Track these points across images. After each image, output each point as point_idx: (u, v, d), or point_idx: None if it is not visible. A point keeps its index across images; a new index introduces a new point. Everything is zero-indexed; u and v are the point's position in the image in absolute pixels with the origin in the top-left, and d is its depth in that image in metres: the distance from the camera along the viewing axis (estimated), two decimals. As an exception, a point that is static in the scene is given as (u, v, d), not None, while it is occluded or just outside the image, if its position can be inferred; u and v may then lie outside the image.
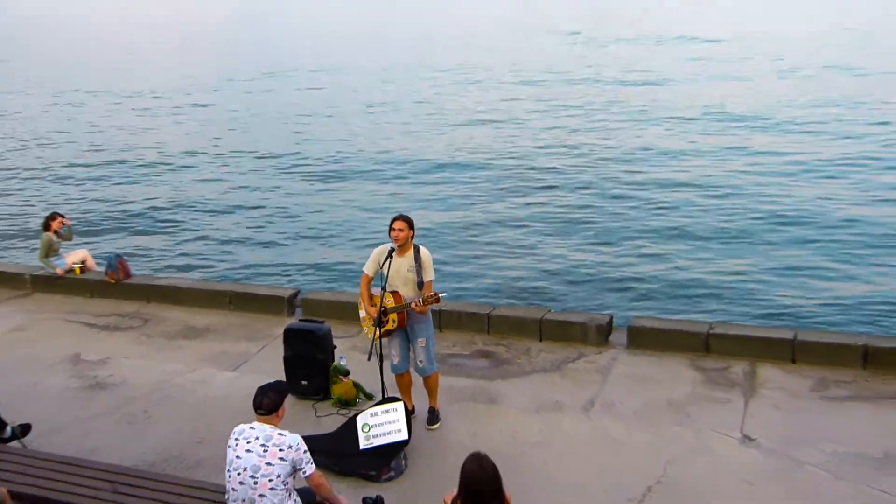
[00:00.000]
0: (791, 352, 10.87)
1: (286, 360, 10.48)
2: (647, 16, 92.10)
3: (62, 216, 15.20)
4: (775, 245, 20.40)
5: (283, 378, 10.03)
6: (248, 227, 23.57)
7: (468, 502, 6.36)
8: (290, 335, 10.52)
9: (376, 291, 9.16)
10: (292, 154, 32.12)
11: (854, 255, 19.55)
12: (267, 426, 7.00)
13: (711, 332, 11.29)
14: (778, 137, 31.68)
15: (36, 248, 15.63)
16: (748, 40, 64.28)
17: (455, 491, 6.48)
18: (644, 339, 11.46)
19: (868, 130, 32.37)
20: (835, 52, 54.59)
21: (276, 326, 11.76)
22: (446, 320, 12.06)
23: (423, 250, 9.17)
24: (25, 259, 19.67)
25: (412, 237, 9.11)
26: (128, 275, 14.32)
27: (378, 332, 9.00)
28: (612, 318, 12.08)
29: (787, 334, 11.18)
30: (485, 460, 6.41)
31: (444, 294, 9.16)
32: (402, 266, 9.04)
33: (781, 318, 16.35)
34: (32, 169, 31.42)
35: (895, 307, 16.41)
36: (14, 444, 9.07)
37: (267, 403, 7.01)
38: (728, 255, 19.88)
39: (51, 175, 30.46)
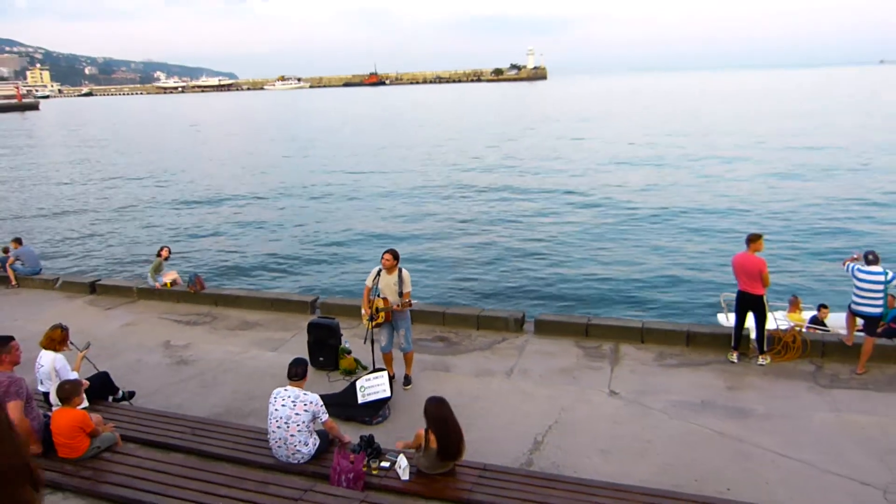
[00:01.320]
0: (641, 335, 10.96)
1: (309, 344, 10.43)
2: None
3: (169, 249, 15.04)
4: (630, 261, 20.69)
5: (307, 356, 10.00)
6: (283, 252, 23.45)
7: (434, 427, 6.41)
8: (312, 327, 10.46)
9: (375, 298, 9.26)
10: (316, 199, 32.18)
11: (682, 266, 19.89)
12: (296, 388, 6.99)
13: (589, 322, 11.35)
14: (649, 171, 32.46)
15: (141, 269, 15.32)
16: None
17: (424, 427, 6.53)
18: (545, 328, 11.49)
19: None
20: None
21: (303, 321, 11.65)
22: (416, 316, 12.01)
23: (405, 271, 9.32)
24: (133, 275, 19.45)
25: (397, 263, 9.20)
26: (203, 287, 14.13)
27: (371, 325, 9.17)
28: (524, 313, 12.09)
29: (638, 324, 11.26)
30: (442, 400, 6.55)
31: (415, 300, 9.30)
32: (389, 281, 9.18)
33: (634, 311, 16.55)
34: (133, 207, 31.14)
35: (707, 306, 16.63)
36: (124, 403, 8.91)
37: (296, 372, 7.04)
38: (598, 267, 20.13)
39: (146, 213, 30.20)
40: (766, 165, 38.92)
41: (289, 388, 6.99)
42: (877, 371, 9.61)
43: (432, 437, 6.48)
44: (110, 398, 8.81)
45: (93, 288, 14.83)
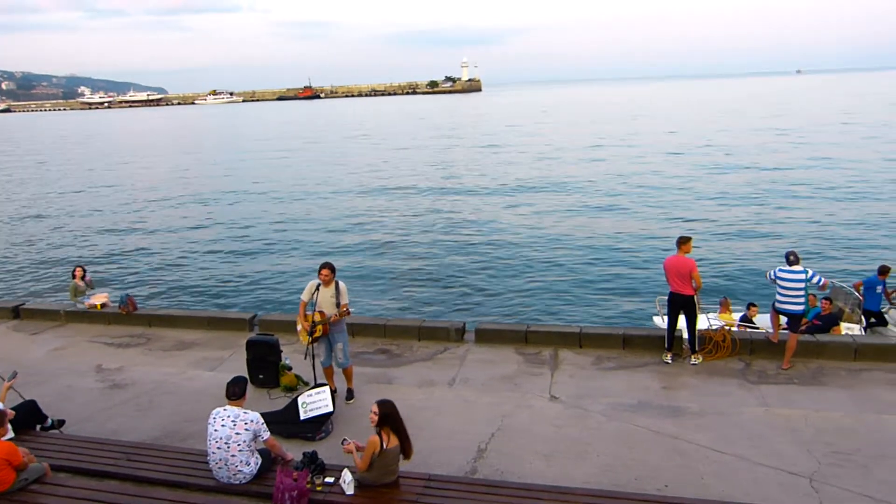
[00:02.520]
0: (579, 340, 11.19)
1: (248, 362, 10.26)
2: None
3: (83, 269, 14.54)
4: (568, 267, 21.09)
5: (246, 374, 9.84)
6: (219, 270, 22.97)
7: (392, 425, 6.53)
8: (251, 345, 10.30)
9: (311, 313, 9.14)
10: (250, 215, 31.62)
11: (618, 270, 20.40)
12: (235, 408, 6.88)
13: (528, 329, 11.51)
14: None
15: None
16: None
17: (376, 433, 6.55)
18: (486, 336, 11.59)
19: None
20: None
21: (241, 339, 11.43)
22: (357, 329, 11.98)
23: (341, 284, 9.25)
24: (59, 299, 18.70)
25: (334, 276, 9.14)
26: (135, 308, 13.72)
27: (310, 340, 9.08)
28: (465, 323, 12.19)
29: (576, 329, 11.49)
30: (389, 401, 6.62)
31: (353, 310, 9.27)
32: (326, 294, 9.11)
33: (572, 317, 16.86)
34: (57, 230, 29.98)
35: (643, 309, 17.05)
36: (53, 431, 8.57)
37: (235, 392, 6.92)
38: (537, 274, 20.45)
39: (67, 235, 29.11)
40: (690, 170, 40.36)
41: (228, 407, 6.87)
42: (801, 366, 10.07)
43: (390, 438, 6.49)
44: (38, 427, 8.46)
45: (16, 312, 14.19)
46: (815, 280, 9.94)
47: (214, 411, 6.91)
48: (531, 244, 24.54)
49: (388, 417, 6.54)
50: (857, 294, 13.01)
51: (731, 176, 38.27)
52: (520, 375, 10.19)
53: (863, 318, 12.63)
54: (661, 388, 9.60)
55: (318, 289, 9.12)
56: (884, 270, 13.05)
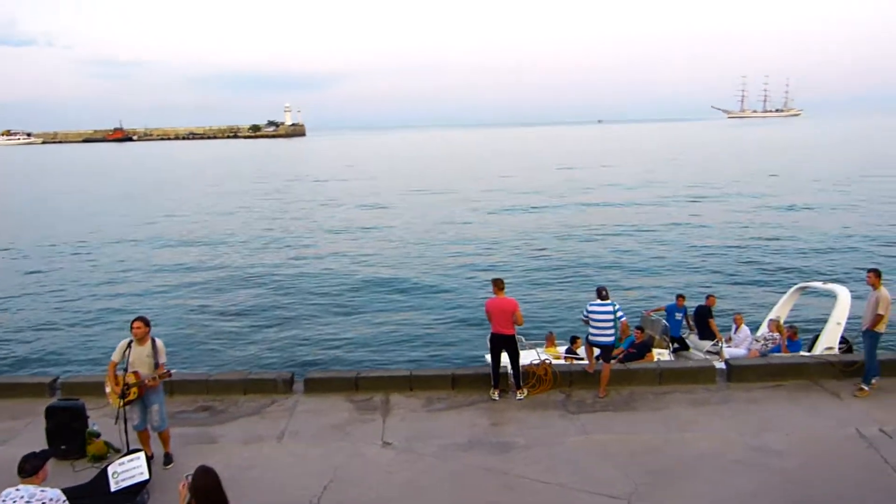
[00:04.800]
0: (409, 383, 11.25)
1: (48, 431, 9.22)
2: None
3: None
4: (397, 310, 21.28)
5: (46, 446, 8.83)
6: (12, 328, 20.57)
7: (200, 500, 5.71)
8: (50, 412, 9.30)
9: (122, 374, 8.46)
10: (49, 263, 28.73)
11: (450, 311, 20.87)
12: (31, 486, 6.13)
13: (359, 376, 11.40)
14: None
15: None
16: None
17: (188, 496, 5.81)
18: (315, 385, 11.32)
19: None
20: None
21: (40, 405, 10.19)
22: (176, 387, 11.19)
23: (158, 341, 8.72)
24: None
25: (149, 332, 8.54)
26: None
27: (122, 403, 8.39)
28: (293, 373, 11.82)
29: (406, 372, 11.58)
30: (209, 469, 5.87)
31: (174, 370, 8.70)
32: (142, 353, 8.52)
33: (401, 364, 16.92)
34: None
35: (470, 355, 17.54)
36: None
37: (28, 468, 6.17)
38: (365, 319, 20.43)
39: None
40: (504, 211, 42.64)
41: (21, 486, 6.10)
42: (615, 393, 10.85)
43: None
44: None
45: None
46: (619, 315, 10.83)
47: (5, 492, 6.12)
48: (357, 290, 24.50)
49: (202, 492, 5.70)
50: (664, 322, 14.30)
51: (537, 216, 40.86)
52: (351, 423, 10.04)
53: (670, 343, 13.91)
54: (489, 424, 9.89)
55: (130, 346, 8.47)
56: (681, 298, 14.51)
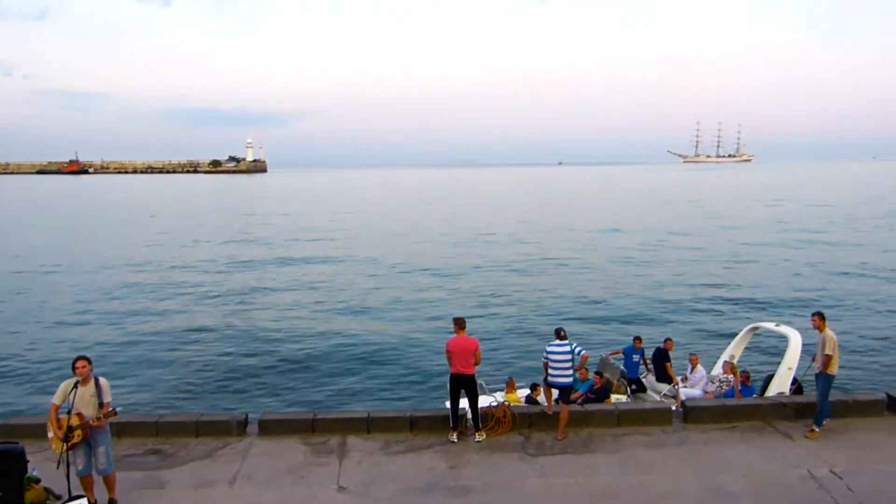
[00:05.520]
0: (367, 425, 11.08)
1: (-16, 477, 8.76)
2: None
3: None
4: (338, 359, 21.03)
5: (-19, 493, 8.40)
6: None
7: None
8: (-12, 456, 8.84)
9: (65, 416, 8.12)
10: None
11: (408, 350, 20.70)
12: (-37, 536, 5.80)
13: (315, 417, 11.20)
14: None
15: None
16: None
17: None
18: (270, 427, 11.07)
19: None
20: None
21: (-25, 450, 9.78)
22: (123, 429, 10.84)
23: (102, 380, 8.43)
24: None
25: (91, 370, 8.27)
26: None
27: (65, 446, 8.04)
28: (247, 415, 11.54)
29: (363, 414, 11.40)
30: None
31: (119, 409, 8.40)
32: (85, 393, 8.23)
33: (359, 403, 16.69)
34: None
35: (434, 393, 17.40)
36: None
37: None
38: (323, 359, 20.14)
39: None
40: (461, 253, 42.83)
41: (-47, 536, 5.79)
42: (573, 435, 10.83)
43: None
44: None
45: None
46: (577, 350, 10.89)
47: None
48: (314, 329, 24.15)
49: None
50: (622, 367, 14.38)
51: (493, 257, 40.99)
52: (306, 467, 9.82)
53: (628, 388, 13.98)
54: (448, 468, 9.77)
55: (75, 387, 8.16)
56: (638, 340, 14.64)
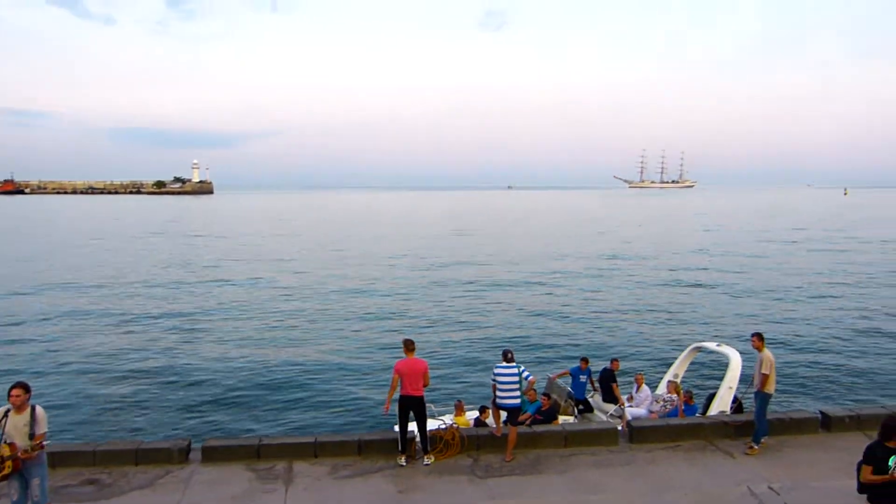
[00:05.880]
0: (314, 450, 10.92)
1: None
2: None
3: None
4: (282, 382, 20.74)
5: None
6: None
7: None
8: (-89, 490, 8.41)
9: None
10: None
11: (355, 373, 20.50)
12: None
13: (261, 443, 10.98)
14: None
15: None
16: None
17: None
18: (214, 454, 10.79)
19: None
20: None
21: None
22: (59, 458, 10.42)
23: (39, 409, 8.07)
24: None
25: (28, 399, 7.95)
26: None
27: (-4, 479, 7.65)
28: (189, 441, 11.25)
29: (310, 438, 11.21)
30: None
31: (48, 442, 8.10)
32: (19, 422, 7.88)
33: (305, 430, 16.43)
34: None
35: (379, 418, 17.22)
36: None
37: None
38: (263, 383, 19.79)
39: None
40: (407, 274, 42.85)
41: None
42: (522, 457, 10.89)
43: None
44: None
45: None
46: (525, 374, 10.98)
47: None
48: (259, 352, 23.74)
49: None
50: (569, 388, 14.55)
51: (439, 280, 41.14)
52: (251, 494, 9.61)
53: (575, 408, 14.14)
54: (396, 492, 9.70)
55: (6, 415, 7.83)
56: (584, 361, 14.85)
